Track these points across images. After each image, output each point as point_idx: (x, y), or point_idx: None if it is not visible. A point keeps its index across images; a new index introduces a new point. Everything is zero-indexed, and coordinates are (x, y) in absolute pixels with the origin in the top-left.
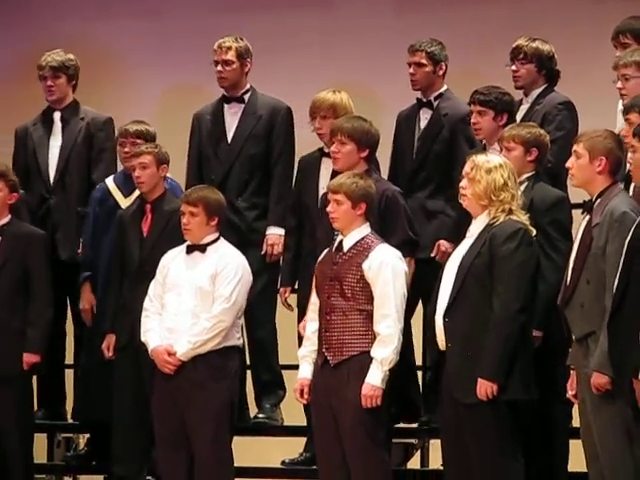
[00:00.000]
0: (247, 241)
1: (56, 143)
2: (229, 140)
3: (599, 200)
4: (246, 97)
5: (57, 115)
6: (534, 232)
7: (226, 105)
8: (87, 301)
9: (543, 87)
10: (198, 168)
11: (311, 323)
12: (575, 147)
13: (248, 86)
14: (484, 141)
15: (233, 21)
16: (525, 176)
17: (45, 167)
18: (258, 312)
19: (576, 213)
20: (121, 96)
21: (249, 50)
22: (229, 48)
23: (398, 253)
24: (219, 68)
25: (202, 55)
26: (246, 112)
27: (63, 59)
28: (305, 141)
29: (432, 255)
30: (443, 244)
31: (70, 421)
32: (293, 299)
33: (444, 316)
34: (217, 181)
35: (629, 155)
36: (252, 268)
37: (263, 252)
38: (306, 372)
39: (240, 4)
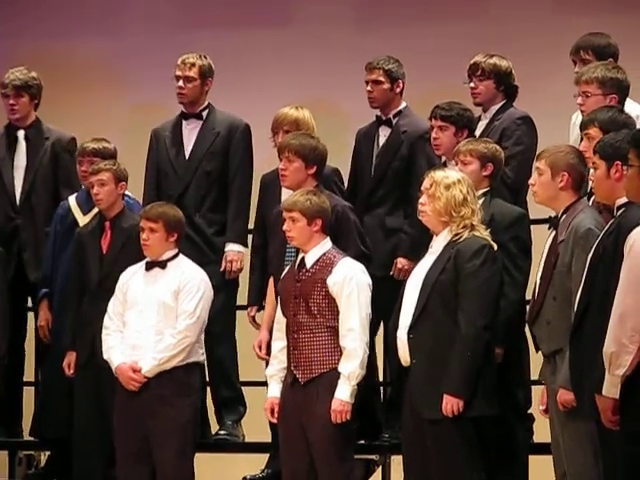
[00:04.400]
0: (205, 257)
1: (21, 163)
2: (187, 156)
3: (564, 216)
4: (204, 114)
5: (21, 134)
6: (496, 247)
7: (184, 121)
8: (43, 318)
9: (502, 103)
10: (155, 184)
11: (276, 342)
12: (537, 164)
13: (206, 103)
14: (444, 157)
15: (193, 38)
16: (481, 191)
17: (10, 187)
18: (218, 329)
19: (535, 228)
20: (83, 114)
21: (212, 69)
22: (192, 65)
23: (361, 266)
24: (180, 84)
25: (163, 73)
26: (204, 129)
27: (27, 78)
28: (266, 160)
29: (391, 273)
30: (401, 262)
31: (30, 438)
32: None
33: (408, 332)
34: (174, 197)
35: (591, 172)
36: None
37: (222, 269)
38: (275, 391)
39: (200, 21)
